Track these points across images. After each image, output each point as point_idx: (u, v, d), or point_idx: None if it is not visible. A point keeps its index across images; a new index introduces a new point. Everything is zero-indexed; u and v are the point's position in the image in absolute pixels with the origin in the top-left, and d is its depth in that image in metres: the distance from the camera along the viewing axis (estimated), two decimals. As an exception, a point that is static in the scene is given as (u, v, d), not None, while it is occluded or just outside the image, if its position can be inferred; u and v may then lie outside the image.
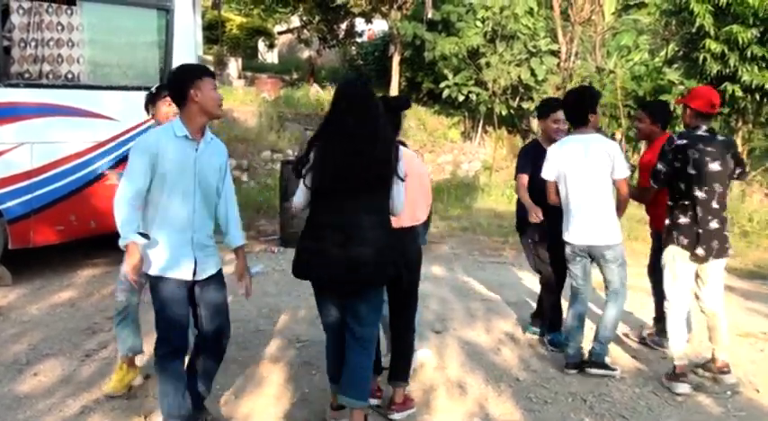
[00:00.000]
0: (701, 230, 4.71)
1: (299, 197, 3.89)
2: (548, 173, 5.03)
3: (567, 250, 5.04)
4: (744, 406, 4.63)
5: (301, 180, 3.84)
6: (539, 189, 5.28)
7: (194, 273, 3.72)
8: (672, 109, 5.93)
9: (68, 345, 5.33)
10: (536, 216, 5.23)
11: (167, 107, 4.38)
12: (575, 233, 4.94)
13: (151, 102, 4.58)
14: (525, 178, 5.49)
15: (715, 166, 4.69)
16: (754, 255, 9.50)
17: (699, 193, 4.70)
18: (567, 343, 5.13)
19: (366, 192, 3.73)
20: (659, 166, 4.81)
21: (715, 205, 4.72)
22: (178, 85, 3.66)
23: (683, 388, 4.74)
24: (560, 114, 5.35)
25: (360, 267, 3.70)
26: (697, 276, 4.90)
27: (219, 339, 3.92)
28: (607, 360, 5.08)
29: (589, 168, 4.86)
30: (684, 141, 4.75)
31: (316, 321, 5.76)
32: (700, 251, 4.71)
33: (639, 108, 5.79)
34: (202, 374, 3.93)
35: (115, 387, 4.43)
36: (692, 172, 4.70)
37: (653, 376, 5.03)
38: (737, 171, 4.87)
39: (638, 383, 4.91)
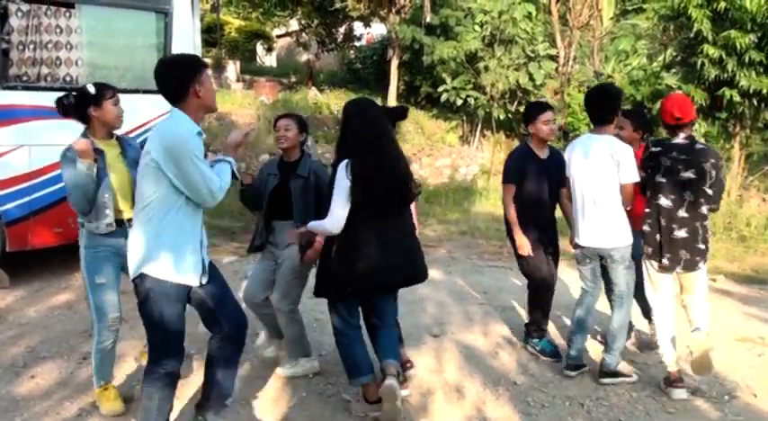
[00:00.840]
0: (662, 239, 4.68)
1: (341, 216, 4.08)
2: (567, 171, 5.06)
3: (577, 252, 5.05)
4: (741, 410, 4.63)
5: (340, 198, 4.06)
6: (529, 200, 5.28)
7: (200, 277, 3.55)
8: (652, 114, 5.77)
9: (66, 348, 5.32)
10: (524, 249, 5.24)
11: (114, 106, 4.27)
12: (583, 236, 4.93)
13: (95, 103, 4.22)
14: (512, 189, 5.34)
15: (687, 175, 4.63)
16: (752, 260, 9.51)
17: (663, 201, 4.68)
18: (568, 344, 5.11)
19: (404, 204, 4.32)
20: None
21: (682, 214, 4.64)
22: (177, 80, 3.44)
23: (679, 393, 4.73)
24: (550, 115, 5.32)
25: (415, 272, 4.34)
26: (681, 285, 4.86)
27: (241, 330, 3.78)
28: (620, 366, 5.01)
29: (592, 170, 4.82)
30: (658, 149, 4.77)
31: (313, 324, 5.78)
32: (664, 261, 4.68)
33: (621, 115, 5.46)
34: (226, 372, 3.77)
35: (113, 406, 4.27)
36: (661, 180, 4.70)
37: (650, 380, 5.02)
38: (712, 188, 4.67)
39: (636, 387, 4.91)
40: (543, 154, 5.40)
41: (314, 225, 4.26)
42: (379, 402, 4.11)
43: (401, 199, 4.27)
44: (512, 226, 5.33)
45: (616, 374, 4.95)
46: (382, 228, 4.16)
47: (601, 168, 4.79)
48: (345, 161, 4.10)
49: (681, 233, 4.63)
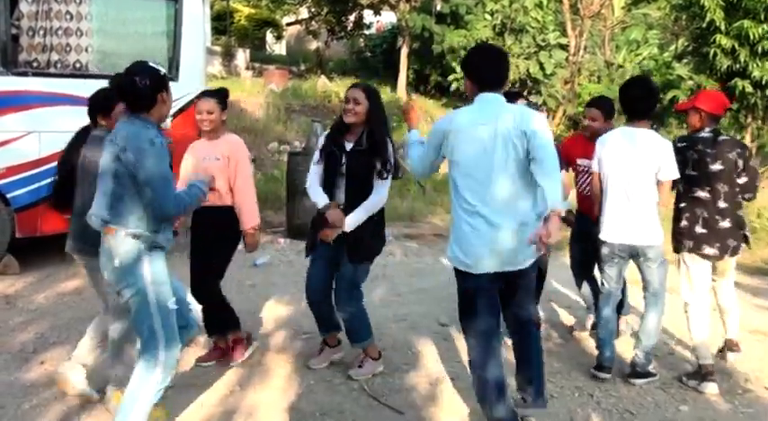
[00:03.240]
0: (708, 231, 4.71)
1: None
2: (594, 164, 4.86)
3: (605, 250, 4.82)
4: (752, 403, 4.61)
5: None
6: None
7: None
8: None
9: (75, 334, 5.31)
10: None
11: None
12: (616, 231, 4.73)
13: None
14: None
15: (716, 167, 4.67)
16: (763, 252, 9.46)
17: (701, 194, 4.71)
18: (599, 346, 4.94)
19: None
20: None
21: (722, 205, 4.69)
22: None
23: (712, 387, 4.69)
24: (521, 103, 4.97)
25: None
26: (713, 271, 4.89)
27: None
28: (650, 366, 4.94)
29: (631, 164, 4.63)
30: (684, 143, 4.80)
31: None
32: (713, 251, 4.71)
33: (591, 106, 5.47)
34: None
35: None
36: (692, 173, 4.72)
37: (660, 371, 4.99)
38: (742, 178, 4.77)
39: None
40: None
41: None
42: None
43: None
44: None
45: (647, 374, 4.84)
46: None
47: (641, 163, 4.61)
48: None
49: (725, 223, 4.70)
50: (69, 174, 4.13)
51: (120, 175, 3.37)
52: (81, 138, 4.16)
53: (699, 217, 4.73)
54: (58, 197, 4.47)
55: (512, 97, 4.67)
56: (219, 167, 4.53)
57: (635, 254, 4.77)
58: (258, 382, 4.59)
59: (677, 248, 4.90)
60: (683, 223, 4.81)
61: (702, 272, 4.83)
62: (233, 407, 4.24)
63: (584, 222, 5.39)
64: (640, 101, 4.74)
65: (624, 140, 4.69)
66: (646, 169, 4.61)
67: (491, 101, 3.75)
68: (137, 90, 3.43)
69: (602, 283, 4.99)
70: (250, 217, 4.62)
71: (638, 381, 4.80)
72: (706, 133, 4.74)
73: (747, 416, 4.44)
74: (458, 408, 4.36)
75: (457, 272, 3.92)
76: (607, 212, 4.77)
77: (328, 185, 4.54)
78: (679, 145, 4.81)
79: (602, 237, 4.81)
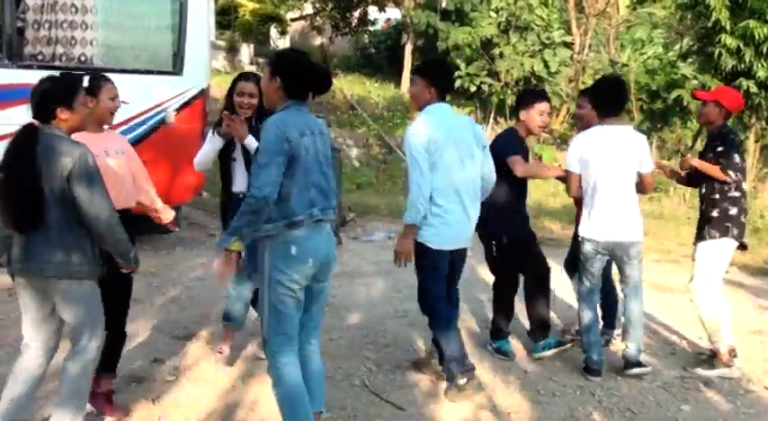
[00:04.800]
0: (744, 221, 4.97)
1: None
2: (572, 164, 4.82)
3: (588, 247, 4.83)
4: (753, 403, 4.61)
5: None
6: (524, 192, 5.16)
7: None
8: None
9: (77, 327, 5.32)
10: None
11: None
12: (600, 229, 4.75)
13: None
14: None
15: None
16: (765, 252, 9.43)
17: (744, 186, 4.97)
18: (586, 349, 4.93)
19: None
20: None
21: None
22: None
23: (735, 371, 4.94)
24: (546, 106, 5.09)
25: None
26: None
27: None
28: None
29: (619, 160, 4.70)
30: (736, 136, 5.17)
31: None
32: (743, 239, 4.98)
33: (583, 94, 5.50)
34: None
35: None
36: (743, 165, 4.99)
37: (661, 371, 5.01)
38: None
39: (647, 378, 4.88)
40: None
41: None
42: None
43: None
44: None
45: (640, 364, 4.88)
46: None
47: (625, 160, 4.70)
48: None
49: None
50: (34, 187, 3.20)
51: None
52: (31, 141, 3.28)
53: (744, 207, 4.95)
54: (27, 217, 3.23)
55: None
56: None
57: (617, 251, 4.81)
58: (260, 377, 4.58)
59: (722, 235, 4.88)
60: (734, 212, 4.87)
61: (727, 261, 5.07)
62: (234, 401, 4.25)
63: None
64: (613, 99, 4.85)
65: (605, 139, 4.72)
66: (629, 165, 4.72)
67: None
68: None
69: (583, 281, 4.97)
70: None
71: (634, 371, 4.85)
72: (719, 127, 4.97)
73: (749, 416, 4.44)
74: (459, 405, 4.36)
75: None
76: (593, 211, 4.77)
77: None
78: (736, 138, 5.07)
79: (585, 234, 4.83)
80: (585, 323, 4.92)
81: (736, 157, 4.83)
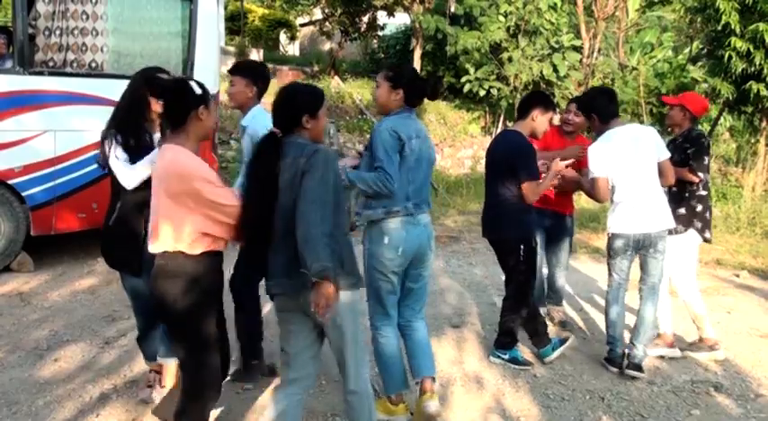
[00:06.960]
0: (709, 216, 5.31)
1: None
2: (597, 170, 4.83)
3: (618, 243, 4.92)
4: (764, 407, 4.58)
5: None
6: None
7: None
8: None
9: (88, 332, 5.37)
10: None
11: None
12: (631, 222, 4.88)
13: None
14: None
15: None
16: (776, 256, 9.38)
17: (707, 182, 5.34)
18: (611, 342, 5.04)
19: None
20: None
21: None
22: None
23: (719, 354, 5.33)
24: (551, 116, 5.00)
25: None
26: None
27: None
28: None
29: (640, 154, 4.86)
30: (706, 139, 5.42)
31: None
32: (707, 234, 5.29)
33: (574, 102, 5.85)
34: None
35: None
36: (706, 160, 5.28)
37: (671, 375, 4.99)
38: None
39: (657, 382, 4.88)
40: None
41: None
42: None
43: None
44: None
45: (639, 368, 4.91)
46: None
47: (645, 153, 4.87)
48: None
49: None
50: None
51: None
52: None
53: (708, 204, 5.31)
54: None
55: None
56: None
57: (645, 242, 4.94)
58: (268, 381, 4.60)
59: (685, 228, 5.25)
60: (700, 207, 5.24)
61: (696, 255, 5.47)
62: (244, 406, 4.26)
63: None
64: (610, 104, 5.04)
65: (622, 137, 4.89)
66: (650, 157, 4.90)
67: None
68: None
69: (612, 277, 5.06)
70: None
71: (631, 373, 4.89)
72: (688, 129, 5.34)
73: (760, 420, 4.42)
74: (469, 410, 4.37)
75: None
76: (620, 207, 4.93)
77: None
78: (706, 141, 5.29)
79: (615, 230, 4.96)
80: (612, 318, 5.05)
81: (706, 159, 5.21)
